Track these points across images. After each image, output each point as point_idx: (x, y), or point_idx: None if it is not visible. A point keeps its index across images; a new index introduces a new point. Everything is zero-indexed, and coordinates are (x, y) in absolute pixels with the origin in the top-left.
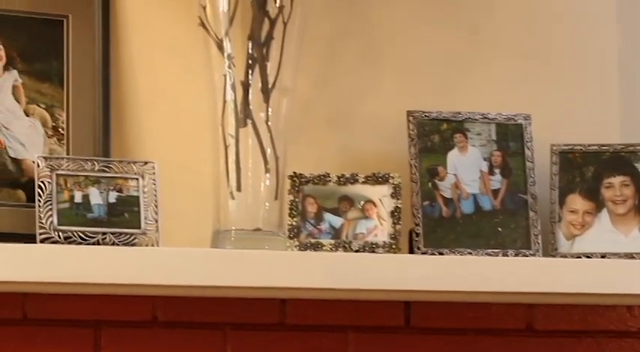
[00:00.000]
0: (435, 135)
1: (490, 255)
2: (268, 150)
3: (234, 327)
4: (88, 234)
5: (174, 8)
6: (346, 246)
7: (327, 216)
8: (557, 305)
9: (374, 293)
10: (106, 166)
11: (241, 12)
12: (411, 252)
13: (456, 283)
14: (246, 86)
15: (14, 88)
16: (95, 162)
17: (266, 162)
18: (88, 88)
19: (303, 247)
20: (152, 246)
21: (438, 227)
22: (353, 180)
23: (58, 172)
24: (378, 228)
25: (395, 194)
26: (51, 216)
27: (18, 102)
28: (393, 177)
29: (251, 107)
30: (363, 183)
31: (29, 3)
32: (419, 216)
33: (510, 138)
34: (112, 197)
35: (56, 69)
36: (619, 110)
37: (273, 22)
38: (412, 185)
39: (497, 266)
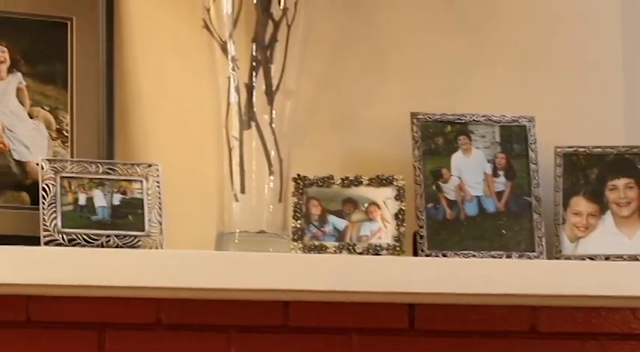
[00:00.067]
0: (438, 138)
1: (494, 257)
2: (272, 153)
3: (239, 329)
4: (92, 237)
5: (178, 10)
6: (350, 248)
7: (331, 218)
8: (561, 307)
9: (378, 295)
10: (110, 168)
11: (245, 14)
12: (415, 254)
13: (460, 285)
14: (250, 88)
15: (18, 90)
16: (99, 165)
17: (270, 165)
18: (92, 90)
19: (307, 249)
20: (156, 248)
21: (442, 229)
22: (357, 182)
23: (62, 175)
24: (382, 230)
25: (399, 196)
26: (55, 218)
27: (22, 104)
28: (397, 180)
29: (255, 109)
30: (367, 185)
31: (33, 5)
32: (423, 218)
33: (514, 140)
34: (116, 199)
35: (60, 71)
36: (623, 112)
37: (277, 25)
38: (416, 187)
39: (501, 268)
